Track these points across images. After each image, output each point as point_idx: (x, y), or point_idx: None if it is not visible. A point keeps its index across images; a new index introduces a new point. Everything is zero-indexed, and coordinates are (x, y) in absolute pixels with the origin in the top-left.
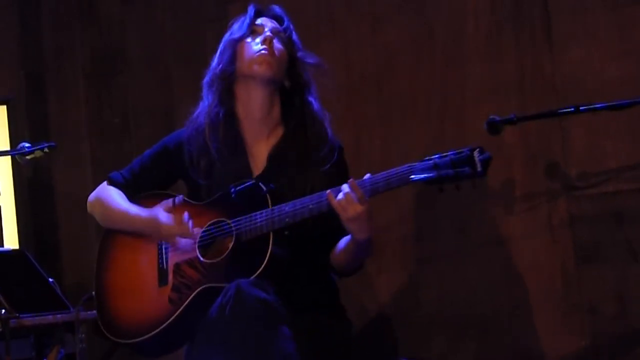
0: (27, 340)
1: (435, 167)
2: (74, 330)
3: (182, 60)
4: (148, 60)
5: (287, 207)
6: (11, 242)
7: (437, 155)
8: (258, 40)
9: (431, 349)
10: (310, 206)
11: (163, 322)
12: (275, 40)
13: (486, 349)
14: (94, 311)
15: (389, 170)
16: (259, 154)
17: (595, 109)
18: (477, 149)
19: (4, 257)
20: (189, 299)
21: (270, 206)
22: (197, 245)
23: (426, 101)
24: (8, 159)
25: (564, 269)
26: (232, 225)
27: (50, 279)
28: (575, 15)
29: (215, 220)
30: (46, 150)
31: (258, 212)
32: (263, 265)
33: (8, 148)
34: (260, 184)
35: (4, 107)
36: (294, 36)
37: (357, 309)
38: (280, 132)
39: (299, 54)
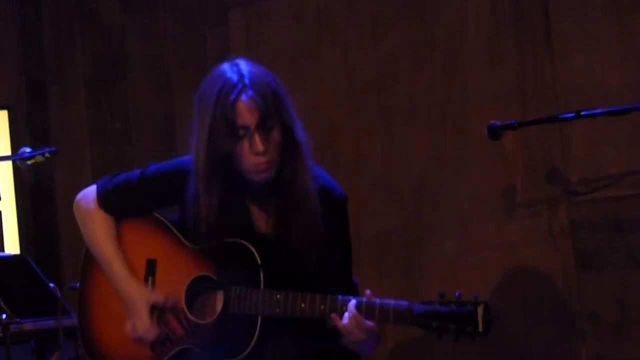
0: (28, 346)
1: (437, 316)
2: (74, 336)
3: (183, 66)
4: (149, 66)
5: (280, 295)
6: (12, 247)
7: (439, 303)
8: (250, 150)
9: (433, 352)
10: (307, 312)
11: None
12: (267, 144)
13: (487, 355)
14: None
15: (388, 302)
16: (261, 212)
17: (596, 115)
18: (483, 306)
19: (4, 262)
20: (170, 354)
21: (262, 286)
22: (184, 294)
23: (427, 107)
24: (9, 164)
25: (564, 275)
26: (223, 290)
27: (51, 284)
28: (576, 22)
29: (204, 274)
30: (47, 155)
31: (251, 290)
32: (247, 351)
33: (9, 153)
34: (255, 253)
35: (5, 113)
36: (280, 107)
37: None
38: (273, 198)
39: (285, 117)
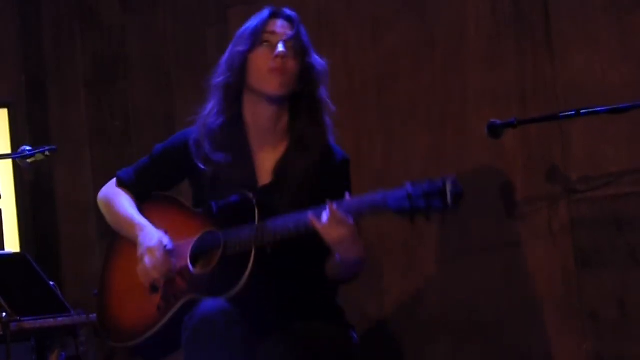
0: (28, 344)
1: (409, 197)
2: (74, 334)
3: (183, 65)
4: (149, 65)
5: (271, 224)
6: (12, 245)
7: (409, 185)
8: (270, 53)
9: (434, 353)
10: (291, 227)
11: (150, 329)
12: (288, 54)
13: (488, 353)
14: (94, 314)
15: (364, 196)
16: (265, 164)
17: (596, 113)
18: (451, 181)
19: (5, 260)
20: (174, 309)
21: (257, 221)
22: (189, 255)
23: (427, 106)
24: (9, 162)
25: (564, 273)
26: (222, 237)
27: (51, 282)
28: (576, 21)
29: (209, 230)
30: (47, 153)
31: (247, 226)
32: (241, 284)
33: (9, 152)
34: (250, 196)
35: (5, 111)
36: (306, 41)
37: (360, 314)
38: (286, 142)
39: (310, 60)
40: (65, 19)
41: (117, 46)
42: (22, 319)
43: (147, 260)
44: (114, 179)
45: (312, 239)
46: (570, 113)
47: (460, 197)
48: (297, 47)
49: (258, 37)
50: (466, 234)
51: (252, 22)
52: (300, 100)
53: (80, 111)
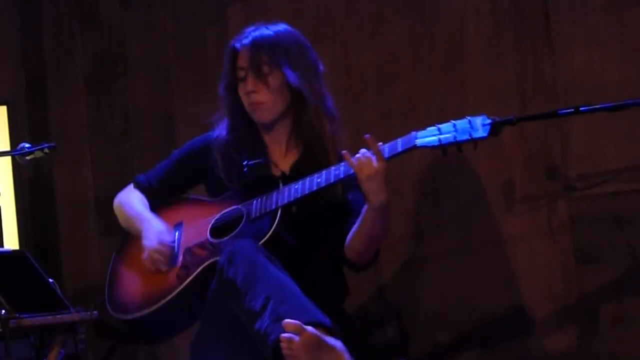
0: (27, 341)
1: (437, 131)
2: (74, 331)
3: (183, 62)
4: (148, 62)
5: (295, 184)
6: (11, 242)
7: (439, 124)
8: (243, 90)
9: (433, 348)
10: (320, 179)
11: (169, 294)
12: (258, 85)
13: (487, 349)
14: (95, 312)
15: (395, 140)
16: (281, 169)
17: (595, 110)
18: (482, 115)
19: (4, 257)
20: (195, 272)
21: (281, 187)
22: (209, 228)
23: (426, 103)
24: (8, 160)
25: (563, 270)
26: (243, 208)
27: (50, 280)
28: (576, 18)
29: (229, 209)
30: (46, 150)
31: (271, 192)
32: (269, 234)
33: (8, 149)
34: (273, 175)
35: (4, 108)
36: (272, 57)
37: (359, 309)
38: (299, 148)
39: (287, 71)
40: (65, 17)
41: (117, 45)
42: (22, 316)
43: (146, 254)
44: (131, 184)
45: (333, 209)
46: (569, 110)
47: (493, 127)
48: (262, 72)
49: (233, 75)
50: (466, 231)
51: (225, 57)
52: (301, 101)
53: (80, 110)
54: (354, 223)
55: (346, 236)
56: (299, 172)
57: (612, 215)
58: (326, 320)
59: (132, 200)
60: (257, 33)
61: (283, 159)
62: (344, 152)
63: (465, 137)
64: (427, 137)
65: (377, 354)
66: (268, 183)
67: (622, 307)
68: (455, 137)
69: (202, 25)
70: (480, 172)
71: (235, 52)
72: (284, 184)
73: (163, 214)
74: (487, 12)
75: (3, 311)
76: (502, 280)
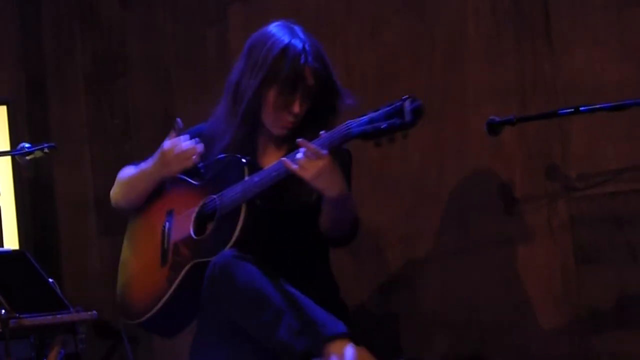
0: (27, 341)
1: (371, 121)
2: (74, 331)
3: (183, 62)
4: (148, 62)
5: (256, 176)
6: (11, 242)
7: (371, 111)
8: (288, 104)
9: (432, 348)
10: (274, 174)
11: (160, 300)
12: (303, 109)
13: (486, 350)
14: (94, 311)
15: (332, 130)
16: (268, 162)
17: (595, 110)
18: (409, 99)
19: (4, 257)
20: (180, 276)
21: (246, 177)
22: (192, 224)
23: (426, 103)
24: (8, 160)
25: (563, 270)
26: (216, 199)
27: (50, 280)
28: (576, 17)
29: (208, 198)
30: (46, 150)
31: (237, 184)
32: (234, 236)
33: (8, 149)
34: (239, 157)
35: (4, 108)
36: (327, 82)
37: (358, 309)
38: (288, 143)
39: (347, 101)
40: (65, 17)
41: (117, 45)
42: (22, 316)
43: (167, 146)
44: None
45: (296, 185)
46: (569, 110)
47: (420, 112)
48: (315, 94)
49: (289, 81)
50: (465, 231)
51: (285, 61)
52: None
53: (80, 110)
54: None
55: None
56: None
57: (612, 215)
58: (344, 328)
59: (125, 171)
60: (312, 49)
61: (273, 155)
62: (283, 159)
63: (394, 123)
64: (361, 125)
65: (377, 354)
66: (236, 170)
67: (622, 307)
68: (387, 124)
69: (202, 25)
70: (480, 172)
71: (302, 68)
72: (249, 172)
73: (155, 200)
74: (487, 12)
75: (3, 311)
76: (502, 281)
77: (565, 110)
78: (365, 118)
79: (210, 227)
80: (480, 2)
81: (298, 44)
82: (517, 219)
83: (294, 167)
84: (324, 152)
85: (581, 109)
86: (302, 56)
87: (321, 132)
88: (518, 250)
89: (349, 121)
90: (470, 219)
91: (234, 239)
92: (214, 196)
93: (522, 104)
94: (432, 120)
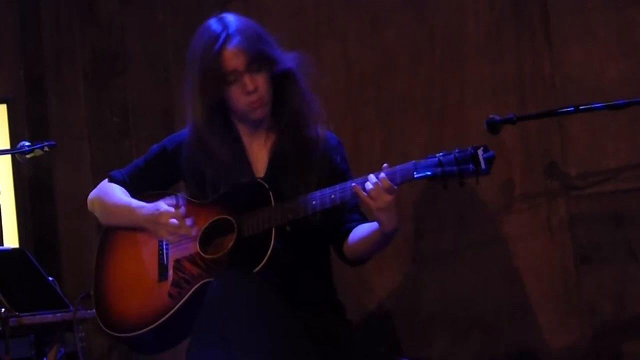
0: (27, 339)
1: (440, 164)
2: (73, 329)
3: (182, 60)
4: (148, 60)
5: (289, 203)
6: (11, 241)
7: (441, 153)
8: (242, 92)
9: (432, 348)
10: (315, 203)
11: (163, 316)
12: (256, 83)
13: (486, 349)
14: (93, 310)
15: (394, 167)
16: (259, 159)
17: (595, 109)
18: (482, 147)
19: (3, 255)
20: (189, 293)
21: (273, 203)
22: (198, 242)
23: (426, 101)
24: (8, 158)
25: (563, 269)
26: (234, 221)
27: (50, 278)
28: (575, 16)
29: (218, 217)
30: (46, 149)
31: (260, 209)
32: (265, 260)
33: (8, 147)
34: (262, 182)
35: (4, 106)
36: (266, 48)
37: (358, 308)
38: (274, 131)
39: (277, 67)
40: (64, 16)
41: (116, 42)
42: (21, 314)
43: (165, 212)
44: (105, 180)
45: (327, 221)
46: (569, 109)
47: (493, 161)
48: (258, 63)
49: (226, 80)
50: (465, 229)
51: (207, 61)
52: (281, 85)
53: (79, 107)
54: (350, 215)
55: (343, 229)
56: (279, 162)
57: (611, 213)
58: None
59: (114, 191)
60: (234, 29)
61: (261, 146)
62: (354, 184)
63: (468, 169)
64: (430, 168)
65: (377, 354)
66: (258, 194)
67: (622, 306)
68: (458, 169)
69: (201, 21)
70: None
71: (220, 56)
72: (276, 199)
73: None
74: (486, 10)
75: (3, 309)
76: (501, 280)
77: (565, 109)
78: (433, 160)
79: (224, 247)
80: (479, 0)
81: (213, 34)
82: (516, 218)
83: (362, 194)
84: (395, 187)
85: (581, 107)
86: (217, 44)
87: (384, 165)
88: (518, 249)
89: (414, 161)
90: (470, 217)
91: (263, 263)
92: (228, 218)
93: (522, 102)
94: (431, 118)
